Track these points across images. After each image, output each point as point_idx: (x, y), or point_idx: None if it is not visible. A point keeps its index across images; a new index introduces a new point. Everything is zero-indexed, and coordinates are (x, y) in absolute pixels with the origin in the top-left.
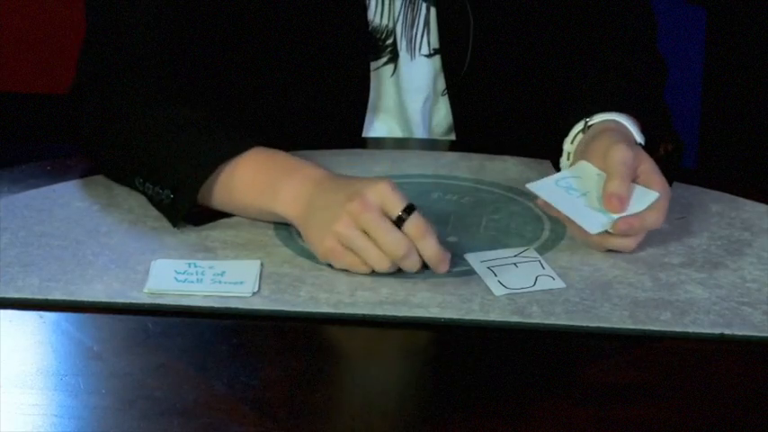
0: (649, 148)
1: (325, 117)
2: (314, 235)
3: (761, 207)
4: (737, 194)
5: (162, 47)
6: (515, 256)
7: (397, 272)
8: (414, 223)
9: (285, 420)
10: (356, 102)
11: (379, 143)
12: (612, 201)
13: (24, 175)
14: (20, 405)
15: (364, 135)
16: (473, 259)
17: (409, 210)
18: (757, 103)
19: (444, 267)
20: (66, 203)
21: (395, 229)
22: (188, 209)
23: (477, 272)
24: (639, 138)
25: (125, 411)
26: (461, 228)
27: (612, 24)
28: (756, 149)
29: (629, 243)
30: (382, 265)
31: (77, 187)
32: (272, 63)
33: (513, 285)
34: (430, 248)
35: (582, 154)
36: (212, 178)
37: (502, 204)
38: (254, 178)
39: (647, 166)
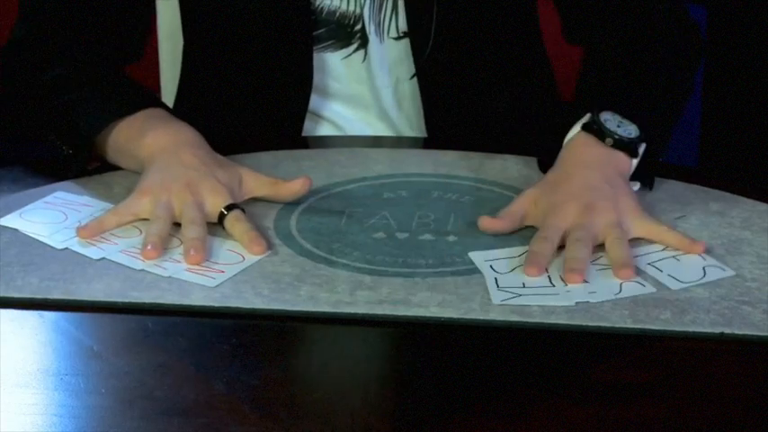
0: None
1: (270, 99)
2: (143, 181)
3: (761, 206)
4: (737, 193)
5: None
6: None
7: (397, 271)
8: (234, 216)
9: (285, 420)
10: (300, 82)
11: (379, 141)
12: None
13: (24, 174)
14: (20, 405)
15: (341, 125)
16: (478, 258)
17: (229, 208)
18: (757, 102)
19: (258, 249)
20: None
21: (201, 223)
22: (84, 163)
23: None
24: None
25: (125, 411)
26: (461, 227)
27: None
28: (756, 149)
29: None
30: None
31: (77, 187)
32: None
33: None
34: (246, 232)
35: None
36: (105, 133)
37: (502, 204)
38: (133, 129)
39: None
